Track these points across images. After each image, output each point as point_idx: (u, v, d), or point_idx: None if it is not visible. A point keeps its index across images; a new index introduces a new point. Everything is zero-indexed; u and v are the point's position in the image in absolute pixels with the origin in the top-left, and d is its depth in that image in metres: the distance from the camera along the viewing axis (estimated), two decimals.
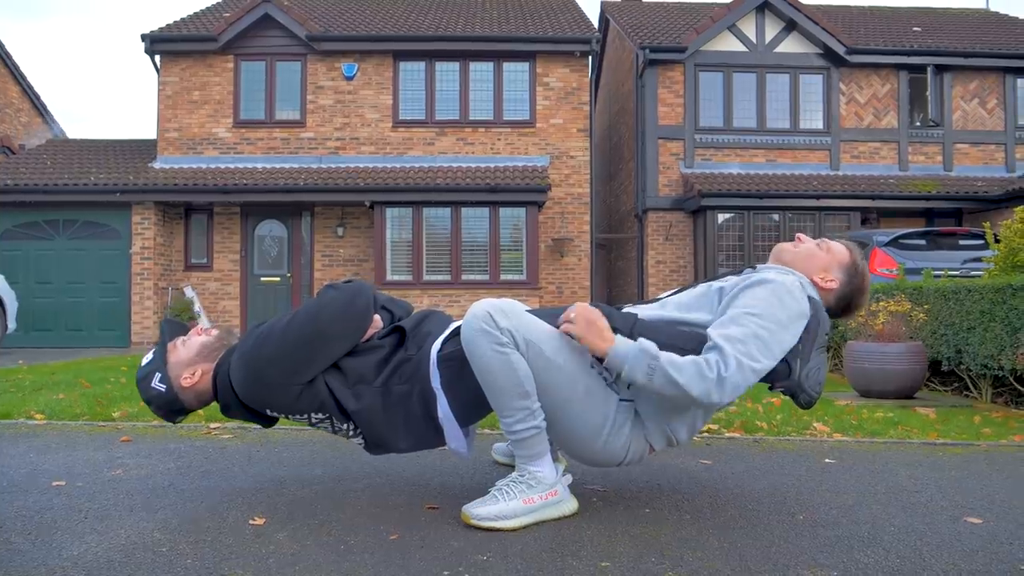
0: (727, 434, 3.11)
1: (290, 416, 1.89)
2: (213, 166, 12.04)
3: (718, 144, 12.60)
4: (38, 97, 16.98)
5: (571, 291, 12.15)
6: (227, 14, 12.70)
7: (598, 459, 1.85)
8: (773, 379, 1.81)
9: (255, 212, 12.13)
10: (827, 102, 12.70)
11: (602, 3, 16.02)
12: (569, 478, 1.89)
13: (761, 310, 1.73)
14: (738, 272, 1.95)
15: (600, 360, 1.75)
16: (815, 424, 3.36)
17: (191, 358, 1.96)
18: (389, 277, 11.36)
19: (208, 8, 13.71)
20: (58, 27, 79.35)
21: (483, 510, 1.74)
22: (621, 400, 1.80)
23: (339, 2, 14.25)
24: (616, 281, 15.35)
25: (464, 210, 11.47)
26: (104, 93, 72.25)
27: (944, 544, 1.67)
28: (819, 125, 12.70)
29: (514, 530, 1.72)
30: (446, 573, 1.46)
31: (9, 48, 15.76)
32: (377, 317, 1.96)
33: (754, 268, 1.96)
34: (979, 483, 2.29)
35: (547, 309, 1.91)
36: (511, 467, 2.04)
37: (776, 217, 11.91)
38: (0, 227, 11.44)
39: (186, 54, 12.18)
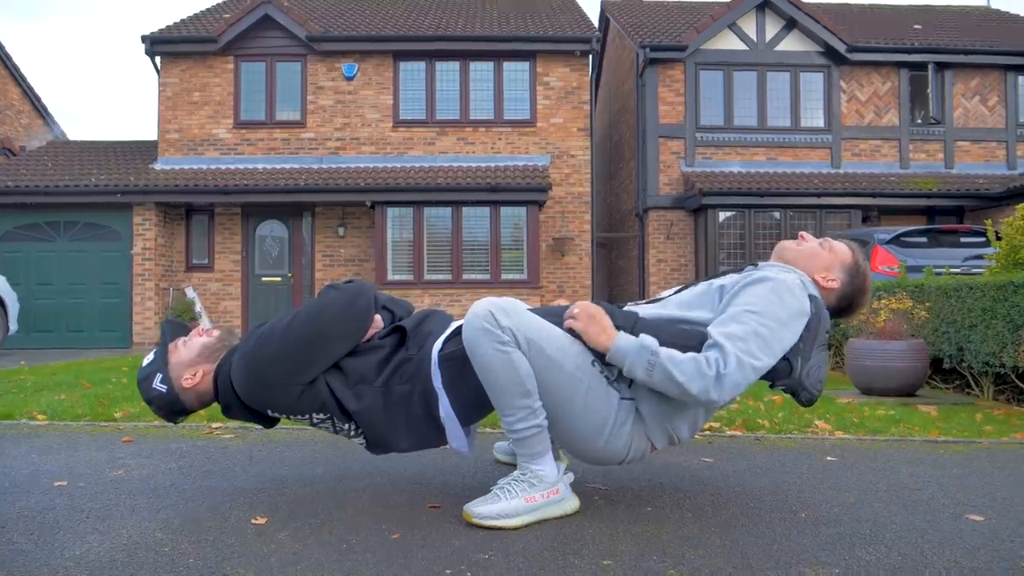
0: (729, 432, 3.11)
1: (291, 416, 1.89)
2: (214, 167, 12.05)
3: (719, 143, 12.59)
4: (39, 99, 16.99)
5: (572, 290, 12.15)
6: (227, 15, 12.71)
7: (600, 457, 1.85)
8: (774, 377, 1.81)
9: (256, 212, 12.14)
10: (828, 100, 12.69)
11: (602, 2, 16.01)
12: (571, 476, 1.89)
13: (761, 308, 1.73)
14: (739, 270, 1.95)
15: (602, 356, 1.75)
16: (817, 422, 3.35)
17: (192, 359, 1.96)
18: (390, 277, 11.37)
19: (208, 9, 13.73)
20: (58, 28, 79.42)
21: (485, 509, 1.74)
22: (622, 399, 1.80)
23: (339, 2, 14.26)
24: (617, 280, 15.35)
25: (465, 209, 11.47)
26: (104, 94, 72.32)
27: (946, 542, 1.67)
28: (820, 123, 12.69)
29: (516, 529, 1.72)
30: (448, 572, 1.46)
31: (9, 50, 15.74)
32: (378, 317, 1.96)
33: (755, 266, 1.96)
34: (981, 481, 2.29)
35: (548, 308, 1.91)
36: (513, 466, 2.04)
37: (777, 215, 11.90)
38: (1, 229, 11.45)
39: (186, 55, 12.19)
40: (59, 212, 11.49)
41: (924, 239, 7.95)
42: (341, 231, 12.07)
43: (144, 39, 11.95)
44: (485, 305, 1.75)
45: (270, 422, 1.99)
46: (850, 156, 12.69)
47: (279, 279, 12.18)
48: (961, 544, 1.65)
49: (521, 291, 11.07)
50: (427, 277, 11.44)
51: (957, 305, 4.67)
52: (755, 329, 1.70)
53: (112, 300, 11.47)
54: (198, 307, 11.56)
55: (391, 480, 2.22)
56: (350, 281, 1.92)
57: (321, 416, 1.87)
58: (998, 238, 5.38)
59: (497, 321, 1.72)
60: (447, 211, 11.49)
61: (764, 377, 1.78)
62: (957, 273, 6.30)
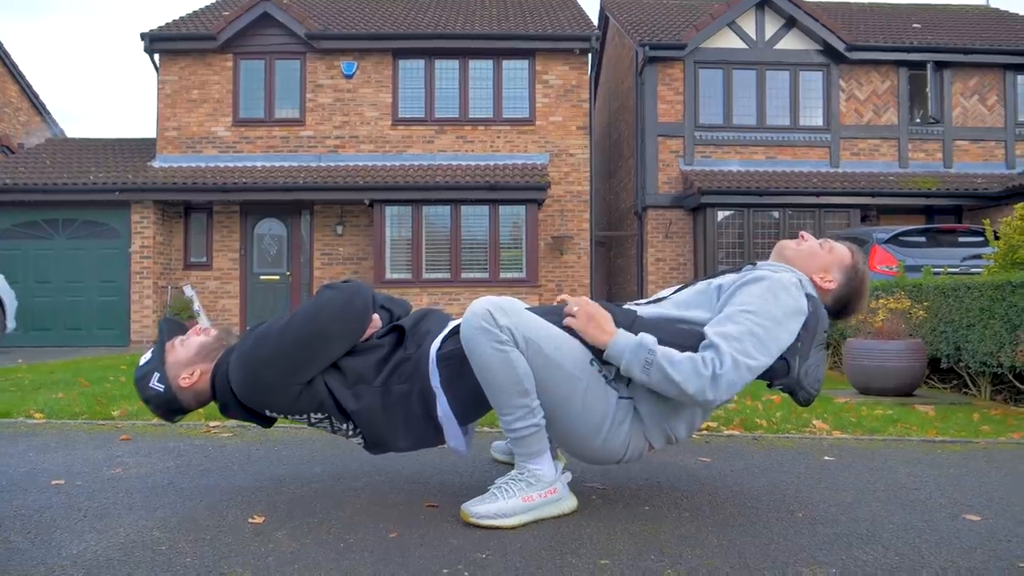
0: (726, 432, 3.11)
1: (289, 416, 1.89)
2: (212, 165, 12.04)
3: (718, 141, 12.59)
4: (37, 96, 16.96)
5: (571, 289, 12.15)
6: (226, 13, 12.68)
7: (597, 457, 1.85)
8: (772, 376, 1.81)
9: (254, 211, 12.13)
10: (827, 99, 12.69)
11: (601, 0, 16.00)
12: (568, 476, 1.89)
13: (757, 307, 1.74)
14: (737, 269, 1.95)
15: (600, 355, 1.75)
16: (814, 421, 3.36)
17: (190, 358, 1.95)
18: (388, 275, 11.36)
19: (207, 7, 13.70)
20: (57, 26, 79.30)
21: (482, 508, 1.74)
22: (621, 398, 1.80)
23: (338, 0, 14.24)
24: (616, 279, 15.36)
25: (464, 208, 11.47)
26: (103, 92, 72.22)
27: (943, 541, 1.67)
28: (819, 122, 12.70)
29: (513, 528, 1.72)
30: (445, 571, 1.46)
31: (8, 47, 15.72)
32: (376, 316, 1.96)
33: (754, 265, 1.96)
34: (978, 480, 2.29)
35: (546, 307, 1.91)
36: (510, 465, 2.04)
37: (776, 214, 11.90)
38: None
39: (185, 53, 12.17)
40: (57, 210, 11.47)
41: (922, 238, 7.95)
42: (340, 229, 12.06)
43: (143, 36, 11.93)
44: (483, 304, 1.75)
45: (267, 422, 1.99)
46: (849, 155, 12.69)
47: (277, 277, 12.18)
48: (958, 544, 1.66)
49: (520, 290, 11.07)
50: (426, 276, 11.44)
51: (955, 305, 4.67)
52: (751, 329, 1.70)
53: (110, 298, 11.46)
54: (196, 305, 11.55)
55: (389, 479, 2.23)
56: (347, 281, 1.92)
57: (319, 416, 1.87)
58: (996, 238, 5.38)
59: (495, 320, 1.72)
60: (446, 210, 11.49)
61: (762, 376, 1.79)
62: (955, 273, 6.30)
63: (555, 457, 1.91)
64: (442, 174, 11.57)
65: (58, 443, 2.82)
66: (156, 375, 1.93)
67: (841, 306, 2.01)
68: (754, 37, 12.71)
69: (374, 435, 1.88)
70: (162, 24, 12.33)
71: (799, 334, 1.79)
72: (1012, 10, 21.39)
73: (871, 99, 12.79)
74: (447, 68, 12.32)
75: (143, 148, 12.78)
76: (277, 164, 12.04)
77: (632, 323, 1.81)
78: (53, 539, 1.66)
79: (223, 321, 11.78)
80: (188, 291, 11.72)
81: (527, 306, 1.85)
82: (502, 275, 11.43)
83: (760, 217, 11.92)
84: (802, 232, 2.06)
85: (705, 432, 3.08)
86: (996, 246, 5.30)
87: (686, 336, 1.78)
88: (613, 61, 15.47)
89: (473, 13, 13.31)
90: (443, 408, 1.84)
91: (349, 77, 12.23)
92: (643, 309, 1.91)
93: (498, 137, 12.25)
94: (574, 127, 12.30)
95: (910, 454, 2.71)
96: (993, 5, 17.21)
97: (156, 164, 12.07)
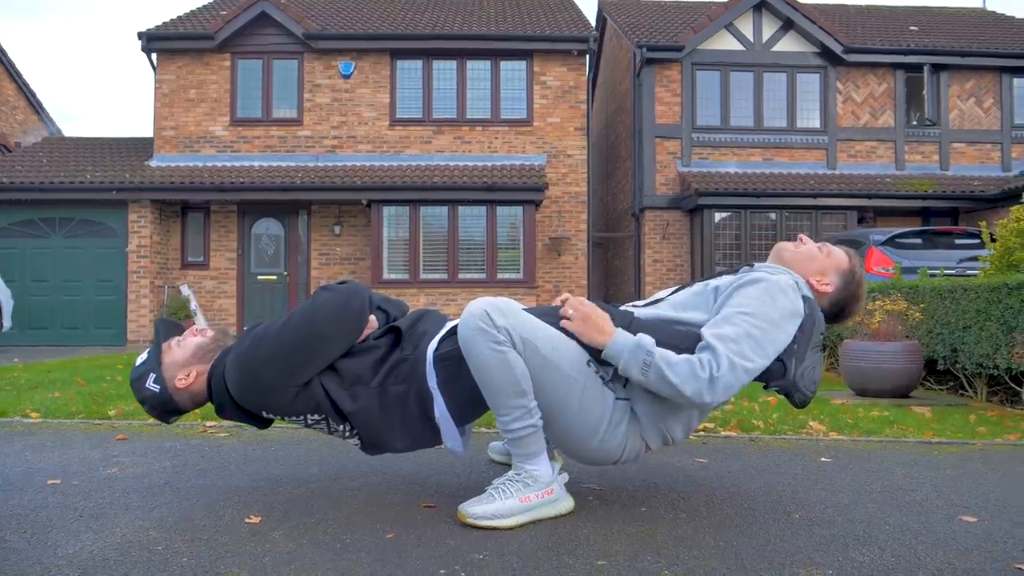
0: (723, 433, 3.12)
1: (286, 418, 1.88)
2: (210, 164, 12.02)
3: (715, 143, 12.61)
4: (34, 95, 16.93)
5: (568, 290, 12.15)
6: (224, 12, 12.67)
7: (594, 457, 1.86)
8: (768, 378, 1.81)
9: (252, 210, 12.12)
10: (824, 101, 12.71)
11: (599, 2, 16.02)
12: (565, 476, 1.89)
13: (754, 309, 1.74)
14: (734, 271, 1.95)
15: (598, 355, 1.75)
16: (811, 423, 3.36)
17: (186, 359, 1.95)
18: (386, 276, 11.36)
19: (205, 6, 13.69)
20: (54, 25, 79.12)
21: (479, 508, 1.74)
22: (618, 399, 1.80)
23: (336, 0, 14.23)
24: (613, 280, 15.36)
25: (461, 209, 11.47)
26: (100, 91, 72.09)
27: (939, 543, 1.67)
28: (816, 124, 12.72)
29: (510, 528, 1.72)
30: (442, 572, 1.46)
31: (5, 47, 15.68)
32: (373, 318, 1.96)
33: (751, 266, 1.96)
34: (974, 482, 2.30)
35: (543, 307, 1.91)
36: (507, 465, 2.04)
37: (773, 216, 11.92)
38: None
39: (183, 52, 12.15)
40: (54, 209, 11.45)
41: (919, 240, 7.98)
42: (337, 229, 12.05)
43: (140, 36, 11.91)
44: (480, 305, 1.75)
45: (264, 423, 1.98)
46: (846, 157, 12.72)
47: (275, 277, 12.16)
48: (954, 545, 1.66)
49: (517, 291, 11.08)
50: (423, 276, 11.43)
51: (951, 307, 4.69)
52: (747, 331, 1.70)
53: (107, 297, 11.43)
54: (193, 305, 11.53)
55: (386, 479, 2.22)
56: (344, 282, 1.92)
57: (316, 417, 1.87)
58: (992, 240, 5.40)
59: (492, 321, 1.72)
60: (443, 210, 11.48)
61: (758, 378, 1.79)
62: (952, 275, 6.32)
63: (552, 458, 1.91)
64: (440, 174, 11.57)
65: (54, 443, 2.81)
66: (152, 376, 1.92)
67: (837, 310, 2.02)
68: (751, 39, 12.73)
69: (371, 436, 1.88)
70: (159, 23, 12.31)
71: (795, 336, 1.80)
72: (1008, 13, 21.45)
73: (868, 101, 12.82)
74: (445, 68, 12.32)
75: (140, 147, 12.76)
76: (274, 164, 12.03)
77: (629, 324, 1.81)
78: (49, 539, 1.65)
79: (220, 321, 11.77)
80: (185, 291, 11.70)
81: (524, 307, 1.85)
82: (499, 276, 11.43)
83: (757, 218, 11.93)
84: (800, 235, 2.07)
85: (702, 433, 3.08)
86: (992, 248, 5.32)
87: (683, 337, 1.78)
88: (611, 62, 15.48)
89: (471, 14, 13.31)
90: (440, 409, 1.84)
91: (347, 77, 12.22)
92: (640, 310, 1.91)
93: (496, 138, 12.26)
94: (572, 128, 12.31)
95: (906, 455, 2.72)
96: (990, 8, 17.26)
97: (153, 163, 12.05)
